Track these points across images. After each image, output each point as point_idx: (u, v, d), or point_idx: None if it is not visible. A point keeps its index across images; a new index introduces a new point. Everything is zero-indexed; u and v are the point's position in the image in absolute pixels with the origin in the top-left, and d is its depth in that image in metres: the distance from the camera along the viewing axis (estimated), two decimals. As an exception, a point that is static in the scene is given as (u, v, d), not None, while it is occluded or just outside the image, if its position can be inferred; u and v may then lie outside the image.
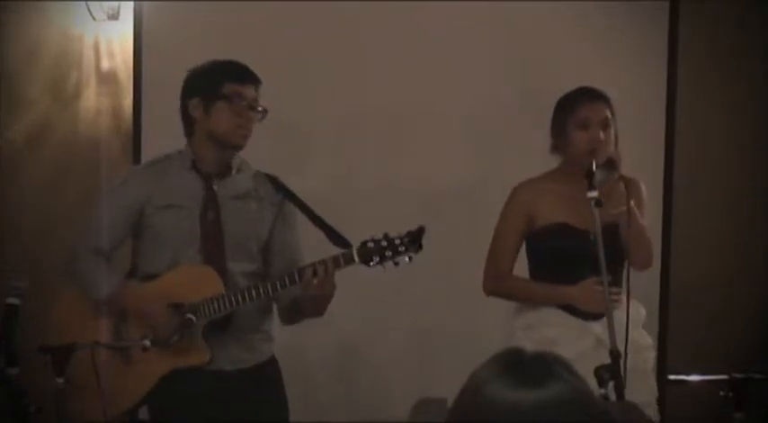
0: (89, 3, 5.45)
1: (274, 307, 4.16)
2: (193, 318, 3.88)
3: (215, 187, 4.06)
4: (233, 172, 4.09)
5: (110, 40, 5.53)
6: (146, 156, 5.29)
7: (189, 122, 4.10)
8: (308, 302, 3.99)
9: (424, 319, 5.43)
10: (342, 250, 3.88)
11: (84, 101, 5.56)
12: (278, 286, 3.88)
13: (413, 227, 3.88)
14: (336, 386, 5.48)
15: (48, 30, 5.52)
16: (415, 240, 3.83)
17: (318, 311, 4.04)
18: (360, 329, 5.39)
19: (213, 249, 4.02)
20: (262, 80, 4.11)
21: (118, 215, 4.09)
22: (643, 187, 4.26)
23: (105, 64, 5.54)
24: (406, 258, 3.84)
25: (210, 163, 4.07)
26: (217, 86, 4.03)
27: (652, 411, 4.16)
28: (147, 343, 3.80)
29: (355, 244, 3.87)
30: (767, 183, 5.60)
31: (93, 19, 5.48)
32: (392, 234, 3.84)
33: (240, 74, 4.06)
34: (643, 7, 5.47)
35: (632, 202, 4.08)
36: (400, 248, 3.82)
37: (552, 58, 5.42)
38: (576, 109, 4.16)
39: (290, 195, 4.10)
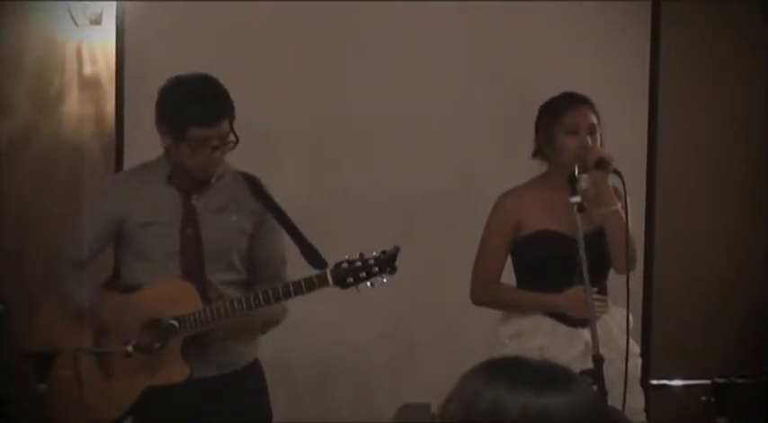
0: (71, 8, 5.44)
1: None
2: (176, 324, 3.88)
3: (193, 202, 4.03)
4: (213, 181, 4.05)
5: (92, 46, 5.51)
6: (128, 161, 5.28)
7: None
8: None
9: (408, 325, 5.42)
10: (316, 271, 3.86)
11: (67, 106, 5.54)
12: (252, 304, 3.87)
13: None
14: (318, 393, 5.47)
15: (30, 35, 5.50)
16: (389, 261, 3.80)
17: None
18: (342, 335, 5.38)
19: (193, 264, 4.00)
20: (232, 104, 3.99)
21: (97, 227, 4.08)
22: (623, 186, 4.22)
23: (88, 69, 5.52)
24: (382, 279, 3.82)
25: (187, 177, 4.03)
26: (181, 129, 3.91)
27: (640, 419, 4.15)
28: (130, 348, 3.79)
29: (330, 263, 3.84)
30: (751, 185, 5.61)
31: (76, 24, 5.46)
32: (367, 254, 3.81)
33: (205, 115, 3.90)
34: (626, 7, 5.47)
35: (620, 204, 4.09)
36: (374, 269, 3.79)
37: (534, 62, 5.41)
38: (564, 115, 4.15)
39: (270, 205, 4.06)
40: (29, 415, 3.64)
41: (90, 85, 5.54)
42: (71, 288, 4.07)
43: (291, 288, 3.84)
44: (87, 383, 3.88)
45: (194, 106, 3.92)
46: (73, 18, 5.45)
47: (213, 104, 3.94)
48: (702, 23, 5.55)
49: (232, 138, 3.96)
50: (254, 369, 4.18)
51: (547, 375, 1.76)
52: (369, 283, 3.82)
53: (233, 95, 4.04)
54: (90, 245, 4.08)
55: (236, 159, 4.15)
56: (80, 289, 4.07)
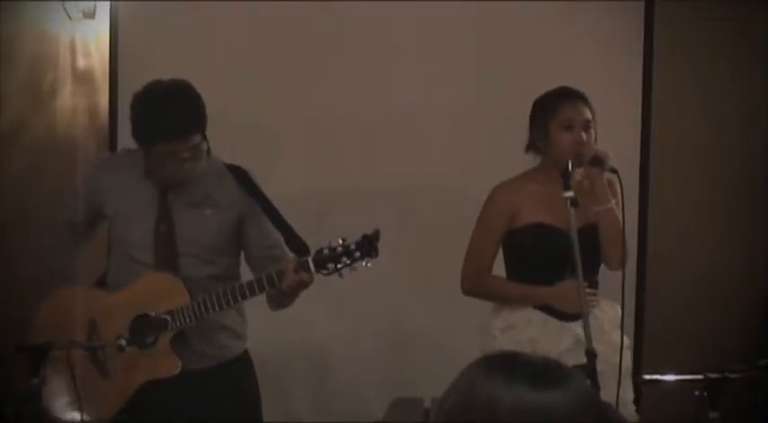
0: (65, 2, 5.44)
1: (241, 305, 4.12)
2: (168, 318, 3.88)
3: (170, 197, 4.01)
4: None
5: (86, 40, 5.51)
6: (122, 155, 5.28)
7: None
8: (283, 296, 3.97)
9: (401, 319, 5.43)
10: (299, 258, 3.82)
11: (61, 100, 5.54)
12: (238, 296, 3.86)
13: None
14: (311, 386, 5.48)
15: (24, 29, 5.50)
16: (370, 245, 3.74)
17: (294, 296, 3.98)
18: (335, 329, 5.39)
19: (166, 260, 4.00)
20: (204, 115, 3.92)
21: (81, 207, 4.14)
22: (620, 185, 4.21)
23: (81, 63, 5.52)
24: (364, 264, 3.76)
25: (164, 177, 4.01)
26: (152, 142, 3.89)
27: (630, 411, 4.17)
28: (123, 342, 3.80)
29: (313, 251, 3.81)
30: (743, 181, 5.62)
31: (70, 18, 5.46)
32: (348, 239, 3.75)
33: (173, 131, 3.86)
34: (619, 6, 5.48)
35: (614, 201, 4.10)
36: (356, 254, 3.73)
37: (530, 57, 5.43)
38: (559, 110, 4.14)
39: (255, 194, 4.03)
40: (23, 409, 3.64)
41: (83, 78, 5.54)
42: (69, 252, 4.15)
43: (275, 277, 3.81)
44: (83, 382, 3.89)
45: (162, 121, 3.86)
46: (66, 12, 5.45)
47: (182, 118, 3.87)
48: (697, 22, 5.56)
49: (204, 148, 3.92)
50: (243, 361, 4.18)
51: (544, 371, 1.77)
52: (351, 269, 3.76)
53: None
54: (76, 214, 4.15)
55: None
56: (77, 254, 4.15)
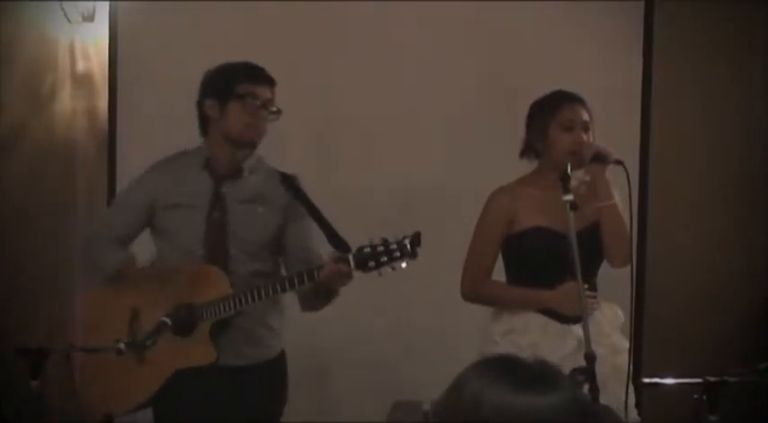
0: (64, 5, 5.44)
1: (281, 303, 4.19)
2: (168, 321, 3.89)
3: (224, 190, 4.10)
4: (245, 173, 4.14)
5: (85, 43, 5.52)
6: (121, 157, 5.30)
7: (204, 122, 4.16)
8: (321, 295, 4.05)
9: (402, 322, 5.43)
10: (340, 254, 3.88)
11: (60, 103, 5.54)
12: (278, 289, 3.92)
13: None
14: (312, 388, 5.47)
15: (23, 32, 5.50)
16: (411, 246, 3.81)
17: (329, 296, 4.09)
18: (336, 331, 5.39)
19: (217, 249, 4.07)
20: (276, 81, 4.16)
21: (130, 213, 4.18)
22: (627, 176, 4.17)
23: (81, 66, 5.53)
24: (402, 264, 3.82)
25: (224, 163, 4.13)
26: (231, 87, 4.08)
27: (631, 414, 4.15)
28: (122, 346, 3.81)
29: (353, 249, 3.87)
30: (742, 183, 5.62)
31: (69, 21, 5.47)
32: (390, 240, 3.82)
33: (255, 74, 4.12)
34: (619, 7, 5.48)
35: (618, 198, 4.09)
36: (396, 254, 3.80)
37: (528, 59, 5.43)
38: (558, 111, 4.13)
39: (300, 197, 4.13)
40: (23, 410, 3.66)
41: (83, 81, 5.54)
42: (106, 259, 4.16)
43: (316, 272, 3.87)
44: (118, 368, 3.96)
45: (243, 67, 4.16)
46: (66, 15, 5.46)
47: (260, 69, 4.15)
48: (697, 22, 5.56)
49: (275, 108, 4.12)
50: (281, 360, 4.26)
51: (533, 375, 1.77)
52: (390, 268, 3.82)
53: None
54: (123, 230, 4.18)
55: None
56: (114, 260, 4.16)
